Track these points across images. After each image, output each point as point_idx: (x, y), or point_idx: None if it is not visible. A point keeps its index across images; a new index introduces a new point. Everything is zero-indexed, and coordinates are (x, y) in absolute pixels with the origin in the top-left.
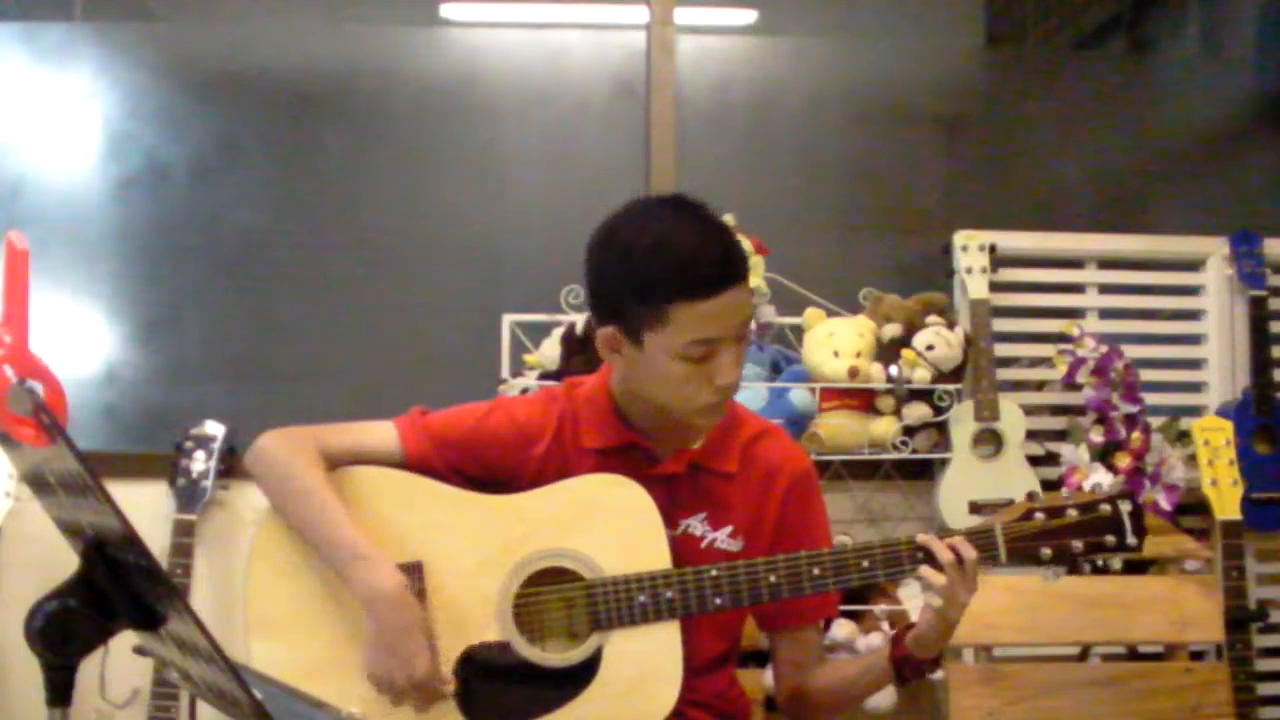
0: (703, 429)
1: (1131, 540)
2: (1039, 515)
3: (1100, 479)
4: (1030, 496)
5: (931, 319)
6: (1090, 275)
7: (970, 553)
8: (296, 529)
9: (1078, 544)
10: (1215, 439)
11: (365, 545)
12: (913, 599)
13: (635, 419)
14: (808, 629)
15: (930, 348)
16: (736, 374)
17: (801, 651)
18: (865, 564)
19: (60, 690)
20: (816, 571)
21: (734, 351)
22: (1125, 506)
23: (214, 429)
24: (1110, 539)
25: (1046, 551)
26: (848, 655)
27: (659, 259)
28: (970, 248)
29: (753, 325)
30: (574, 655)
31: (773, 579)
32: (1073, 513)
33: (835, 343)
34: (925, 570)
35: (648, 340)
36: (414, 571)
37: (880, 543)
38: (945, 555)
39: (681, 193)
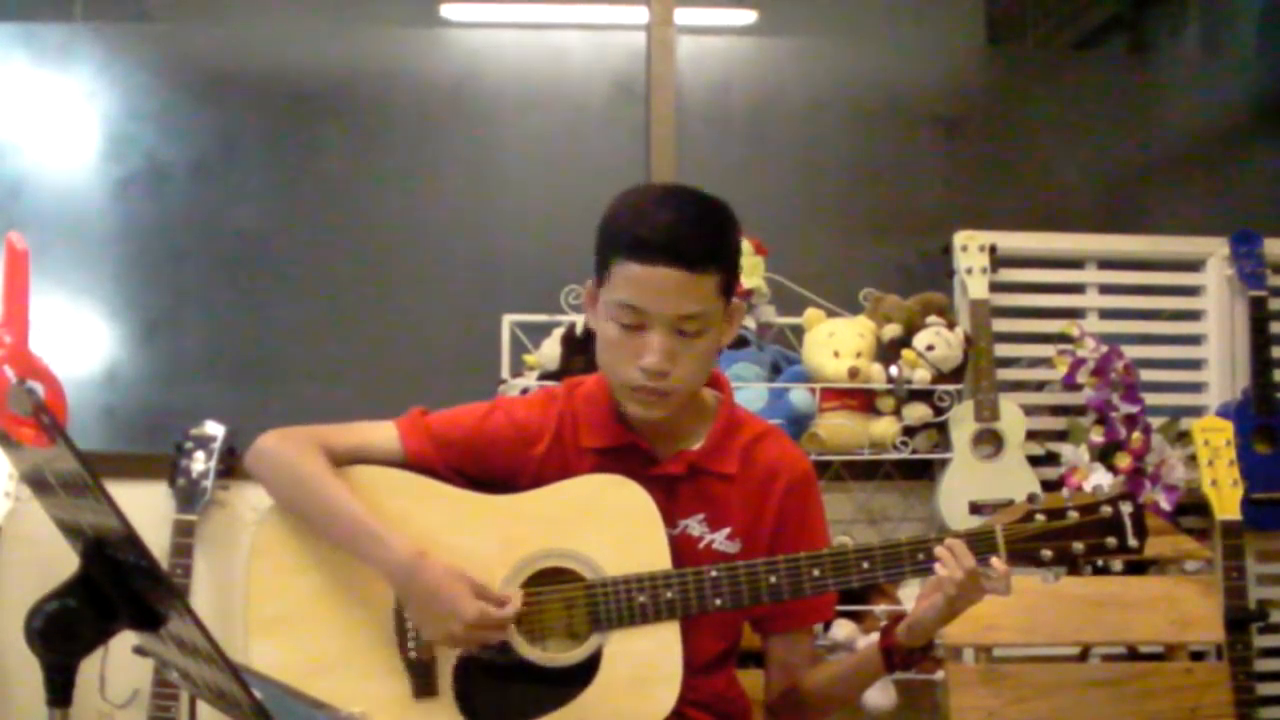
0: (637, 417)
1: (1133, 542)
2: (1039, 517)
3: (1100, 479)
4: (1031, 498)
5: (931, 319)
6: (1090, 275)
7: (971, 560)
8: (304, 519)
9: (1079, 545)
10: (1215, 439)
11: (377, 524)
12: (913, 600)
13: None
14: (802, 632)
15: (930, 348)
16: (663, 363)
17: (795, 655)
18: (865, 565)
19: (60, 690)
20: (817, 572)
21: (667, 339)
22: (1126, 508)
23: (214, 429)
24: (1111, 540)
25: (1047, 553)
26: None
27: (621, 213)
28: (970, 248)
29: (753, 326)
30: (574, 655)
31: (773, 580)
32: (1073, 514)
33: (835, 343)
34: (942, 564)
35: (601, 295)
36: None
37: (880, 544)
38: (966, 562)
39: (698, 187)
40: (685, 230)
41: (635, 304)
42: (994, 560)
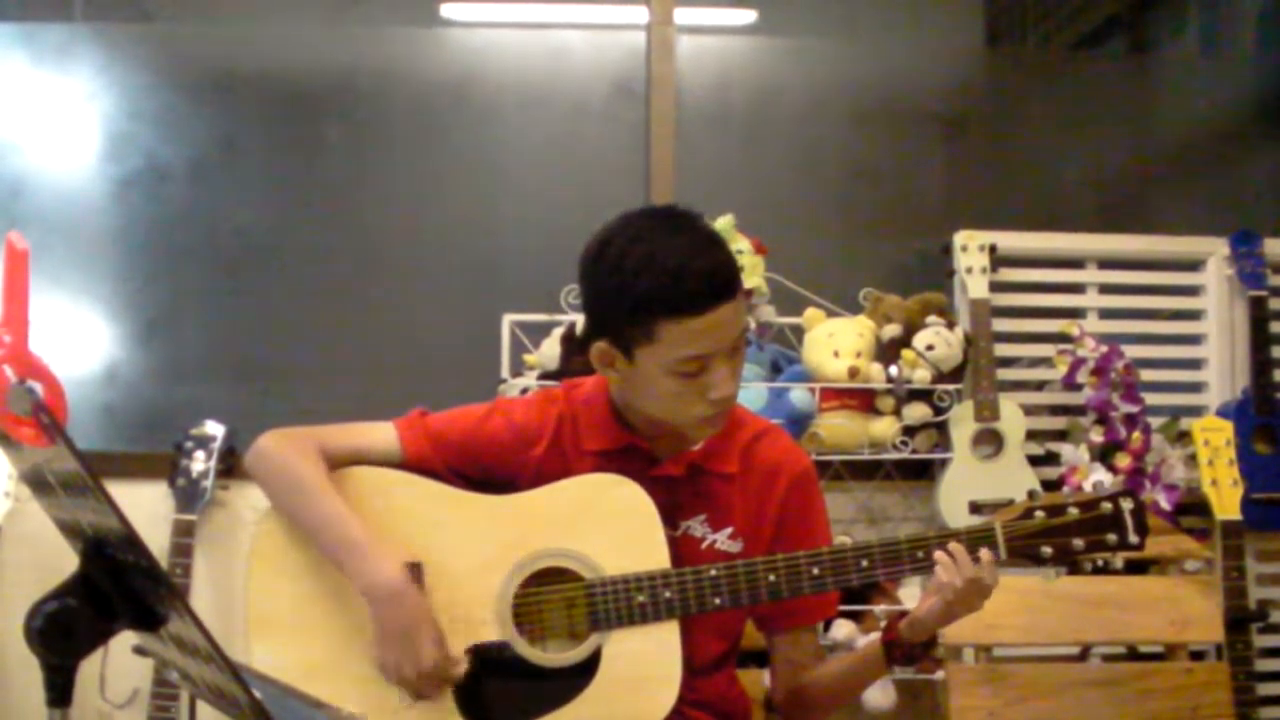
0: (702, 438)
1: (1133, 539)
2: (1039, 514)
3: (1100, 479)
4: (1031, 495)
5: (931, 319)
6: (1090, 275)
7: (971, 570)
8: (298, 526)
9: (1079, 542)
10: (1215, 439)
11: (368, 539)
12: (913, 599)
13: (634, 422)
14: (806, 630)
15: (930, 348)
16: (732, 387)
17: (799, 652)
18: (864, 563)
19: (60, 690)
20: (816, 571)
21: (728, 365)
22: (1126, 504)
23: (214, 429)
24: (1111, 537)
25: (1047, 550)
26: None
27: (647, 276)
28: (970, 248)
29: (752, 326)
30: (573, 655)
31: (772, 579)
32: (1073, 511)
33: (835, 343)
34: (942, 568)
35: (639, 356)
36: (414, 571)
37: (879, 542)
38: (966, 572)
39: (673, 204)
40: (718, 262)
41: (702, 352)
42: (982, 552)
